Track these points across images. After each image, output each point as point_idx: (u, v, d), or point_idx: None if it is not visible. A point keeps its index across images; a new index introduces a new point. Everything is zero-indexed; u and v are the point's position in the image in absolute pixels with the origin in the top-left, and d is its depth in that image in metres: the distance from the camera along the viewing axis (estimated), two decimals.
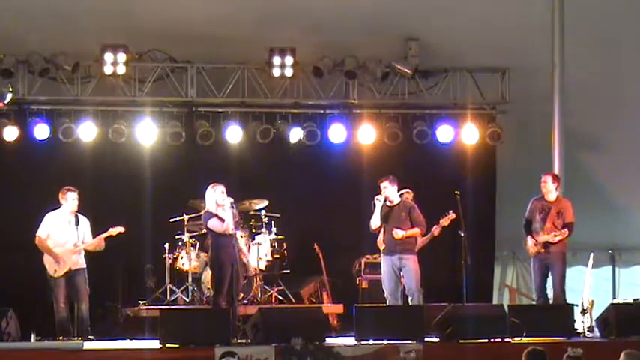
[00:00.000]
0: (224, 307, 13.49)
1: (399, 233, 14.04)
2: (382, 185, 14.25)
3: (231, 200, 13.88)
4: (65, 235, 13.81)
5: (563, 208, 14.49)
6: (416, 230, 14.17)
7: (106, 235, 13.92)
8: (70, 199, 13.81)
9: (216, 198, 13.79)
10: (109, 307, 15.71)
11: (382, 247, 14.34)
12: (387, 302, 14.06)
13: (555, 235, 14.25)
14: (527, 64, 16.42)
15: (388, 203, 14.23)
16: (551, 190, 14.51)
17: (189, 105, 16.37)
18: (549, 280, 14.44)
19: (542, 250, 14.35)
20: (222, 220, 13.72)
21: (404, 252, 14.08)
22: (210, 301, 15.02)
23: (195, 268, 15.68)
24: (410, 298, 14.00)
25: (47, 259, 13.77)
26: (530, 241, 14.39)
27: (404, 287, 14.08)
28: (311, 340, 12.55)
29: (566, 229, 14.30)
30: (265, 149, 16.45)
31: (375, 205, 14.28)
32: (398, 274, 14.06)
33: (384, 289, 14.16)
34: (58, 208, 13.89)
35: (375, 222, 14.24)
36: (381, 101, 16.70)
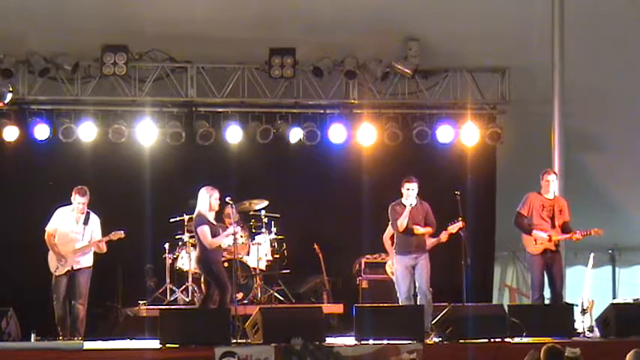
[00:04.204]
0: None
1: (420, 229, 14.00)
2: (411, 186, 14.12)
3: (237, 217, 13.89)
4: (71, 231, 13.80)
5: (564, 206, 14.51)
6: (429, 229, 14.16)
7: (106, 239, 13.90)
8: (75, 202, 13.82)
9: (212, 203, 13.74)
10: (109, 307, 15.71)
11: (394, 247, 14.27)
12: (401, 302, 13.99)
13: (578, 234, 14.27)
14: (527, 64, 16.42)
15: (407, 204, 14.19)
16: (555, 188, 14.50)
17: (189, 105, 16.37)
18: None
19: (553, 248, 14.33)
20: (213, 229, 13.64)
21: (418, 251, 14.07)
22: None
23: (195, 268, 15.65)
24: (419, 297, 13.97)
25: (51, 257, 13.79)
26: (542, 235, 14.32)
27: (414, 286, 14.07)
28: (311, 340, 12.55)
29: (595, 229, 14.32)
30: (265, 149, 16.44)
31: (399, 208, 14.15)
32: (412, 273, 14.04)
33: (398, 290, 14.09)
34: (70, 203, 13.91)
35: (404, 223, 14.09)
36: (381, 101, 16.70)
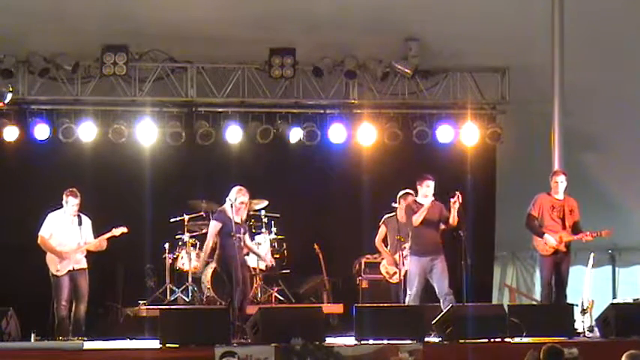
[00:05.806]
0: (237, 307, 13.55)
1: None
2: (429, 183, 14.02)
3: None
4: (68, 235, 13.80)
5: (574, 206, 14.50)
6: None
7: (108, 235, 13.91)
8: (69, 204, 13.81)
9: (234, 204, 13.79)
10: (109, 307, 15.72)
11: (409, 246, 14.21)
12: (408, 302, 13.94)
13: (588, 236, 14.30)
14: (527, 64, 16.42)
15: (426, 202, 14.15)
16: (564, 189, 14.50)
17: (189, 105, 16.37)
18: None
19: (564, 250, 14.33)
20: (227, 227, 13.68)
21: (435, 253, 14.01)
22: (211, 302, 15.10)
23: (195, 268, 15.67)
24: (442, 301, 13.84)
25: (50, 258, 13.77)
26: (552, 241, 14.32)
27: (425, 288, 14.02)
28: (311, 340, 12.55)
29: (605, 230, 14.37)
30: (265, 149, 16.45)
31: (415, 206, 14.10)
32: (427, 276, 13.99)
33: (409, 290, 13.98)
34: (60, 207, 13.90)
35: (419, 219, 13.97)
36: (381, 101, 16.70)
